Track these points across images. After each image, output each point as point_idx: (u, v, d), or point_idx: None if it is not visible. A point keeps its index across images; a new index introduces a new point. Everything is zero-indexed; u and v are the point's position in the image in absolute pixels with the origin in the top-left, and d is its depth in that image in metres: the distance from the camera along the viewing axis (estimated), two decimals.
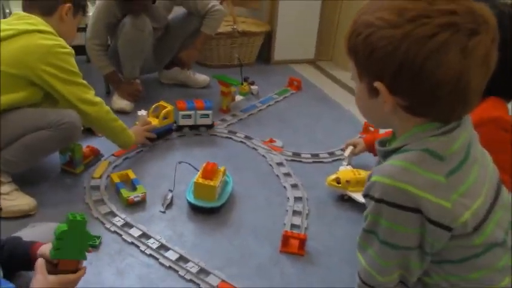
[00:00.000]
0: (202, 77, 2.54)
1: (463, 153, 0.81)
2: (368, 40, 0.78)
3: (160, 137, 1.98)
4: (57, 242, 0.94)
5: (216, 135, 2.06)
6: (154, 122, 1.95)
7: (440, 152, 0.79)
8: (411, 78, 0.75)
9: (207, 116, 2.03)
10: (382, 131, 1.92)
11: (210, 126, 2.07)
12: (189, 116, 2.03)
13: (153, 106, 2.00)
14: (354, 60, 0.82)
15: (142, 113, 1.94)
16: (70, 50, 1.52)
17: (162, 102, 2.01)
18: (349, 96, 2.62)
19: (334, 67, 3.06)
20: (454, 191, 0.78)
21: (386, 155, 0.85)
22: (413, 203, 0.77)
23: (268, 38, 2.99)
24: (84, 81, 1.57)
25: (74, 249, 0.97)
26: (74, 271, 0.98)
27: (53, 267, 0.96)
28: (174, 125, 2.04)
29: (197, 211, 1.56)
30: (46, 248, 0.98)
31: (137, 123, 1.91)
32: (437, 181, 0.77)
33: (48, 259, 0.96)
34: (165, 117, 1.97)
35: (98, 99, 1.59)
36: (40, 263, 0.94)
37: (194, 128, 2.06)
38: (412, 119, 0.81)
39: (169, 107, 1.98)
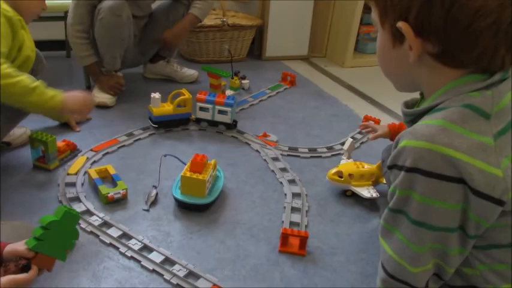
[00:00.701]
0: (190, 72, 2.39)
1: None
2: None
3: (173, 125, 1.87)
4: (42, 232, 0.81)
5: (204, 129, 1.90)
6: (169, 108, 1.85)
7: (486, 109, 0.64)
8: (442, 10, 0.61)
9: (225, 113, 1.85)
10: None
11: (229, 126, 1.88)
12: (206, 109, 1.87)
13: (173, 92, 1.89)
14: (374, 3, 0.68)
15: (155, 95, 1.84)
16: None
17: (183, 90, 1.89)
18: (346, 92, 2.49)
19: (328, 63, 2.93)
20: (504, 156, 0.63)
21: (415, 119, 0.70)
22: (455, 171, 0.61)
23: (260, 34, 2.85)
24: None
25: (57, 245, 0.84)
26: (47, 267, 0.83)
27: (6, 270, 0.81)
28: (193, 116, 1.92)
29: (184, 208, 1.40)
30: (14, 245, 0.83)
31: (151, 105, 1.84)
32: (485, 143, 0.62)
33: (16, 253, 0.82)
34: (180, 105, 1.86)
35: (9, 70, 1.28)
36: None
37: (213, 124, 1.89)
38: (446, 73, 0.66)
39: (187, 96, 1.85)
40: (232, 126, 1.89)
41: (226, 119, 1.87)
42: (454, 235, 0.67)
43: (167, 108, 1.86)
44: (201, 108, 1.88)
